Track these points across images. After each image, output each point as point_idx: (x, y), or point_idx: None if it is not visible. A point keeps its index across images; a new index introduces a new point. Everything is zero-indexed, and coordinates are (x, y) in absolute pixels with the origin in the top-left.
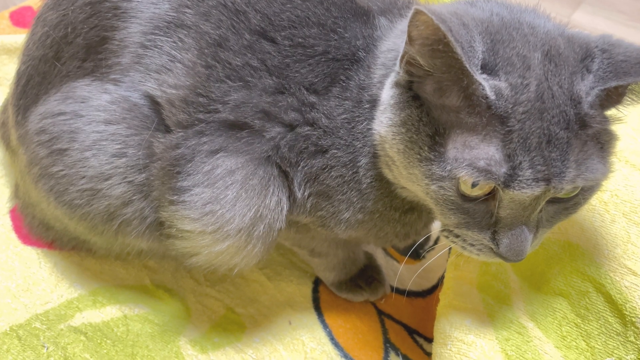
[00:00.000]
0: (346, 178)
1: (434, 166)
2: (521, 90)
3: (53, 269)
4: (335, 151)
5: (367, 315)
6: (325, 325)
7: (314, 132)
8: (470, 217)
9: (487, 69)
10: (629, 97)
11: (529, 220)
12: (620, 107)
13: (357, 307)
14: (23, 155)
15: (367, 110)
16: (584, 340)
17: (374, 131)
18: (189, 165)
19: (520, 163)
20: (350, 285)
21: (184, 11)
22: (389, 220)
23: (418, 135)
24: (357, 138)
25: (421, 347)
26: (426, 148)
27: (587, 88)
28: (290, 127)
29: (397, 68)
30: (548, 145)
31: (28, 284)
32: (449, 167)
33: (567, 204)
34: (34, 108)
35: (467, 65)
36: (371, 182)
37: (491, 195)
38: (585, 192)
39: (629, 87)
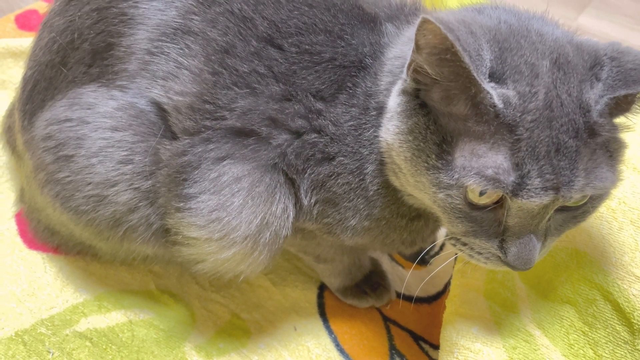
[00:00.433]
0: (353, 185)
1: (441, 174)
2: (529, 99)
3: (58, 273)
4: (342, 158)
5: (372, 322)
6: (330, 332)
7: (321, 140)
8: (477, 226)
9: (495, 77)
10: (638, 105)
11: (537, 228)
12: (629, 115)
13: (362, 313)
14: (29, 160)
15: (373, 117)
16: (591, 349)
17: (380, 138)
18: (196, 173)
19: (528, 172)
20: (355, 291)
21: (191, 18)
22: (396, 228)
23: (425, 143)
24: (364, 145)
25: (427, 353)
26: (433, 156)
27: (596, 96)
28: (297, 134)
29: (404, 76)
30: (557, 153)
31: (33, 288)
32: (456, 176)
33: (576, 213)
34: (40, 113)
35: (475, 74)
36: (378, 189)
37: (499, 203)
38: (594, 201)
39: (638, 95)
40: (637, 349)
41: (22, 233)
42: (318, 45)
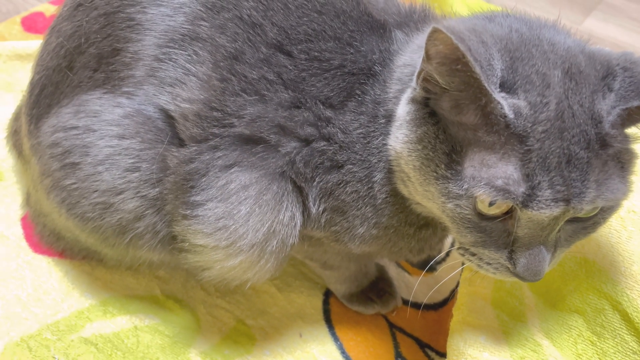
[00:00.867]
0: (361, 193)
1: (450, 184)
2: (540, 109)
3: (63, 278)
4: (351, 166)
5: (378, 328)
6: (336, 338)
7: (330, 147)
8: (487, 236)
9: (506, 87)
10: None
11: (547, 240)
12: None
13: (368, 320)
14: (36, 165)
15: (382, 125)
16: (599, 359)
17: (389, 147)
18: (203, 180)
19: (539, 183)
20: (361, 298)
21: (200, 24)
22: (404, 236)
23: (434, 153)
24: (373, 153)
25: None
26: (443, 166)
27: (608, 107)
28: (306, 142)
29: (413, 84)
30: (568, 165)
31: (38, 293)
32: (466, 186)
33: (586, 224)
34: (46, 118)
35: (486, 84)
36: (386, 197)
37: (509, 214)
38: (605, 212)
39: None
40: None
41: (28, 237)
42: (327, 52)
